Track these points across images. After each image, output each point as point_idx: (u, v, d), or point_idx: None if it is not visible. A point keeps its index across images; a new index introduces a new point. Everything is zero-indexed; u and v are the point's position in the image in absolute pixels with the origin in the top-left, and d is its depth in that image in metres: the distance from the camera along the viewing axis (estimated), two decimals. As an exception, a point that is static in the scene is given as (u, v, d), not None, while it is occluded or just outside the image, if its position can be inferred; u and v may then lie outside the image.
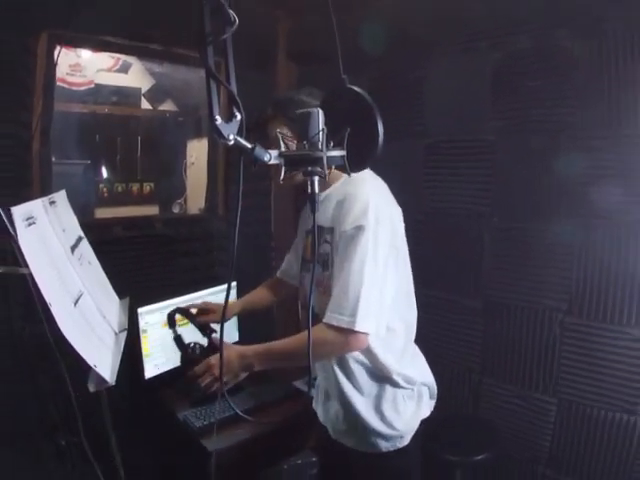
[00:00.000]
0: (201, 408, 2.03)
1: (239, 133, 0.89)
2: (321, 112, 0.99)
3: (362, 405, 1.42)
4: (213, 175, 2.76)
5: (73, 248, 1.38)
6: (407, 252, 1.46)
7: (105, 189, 3.07)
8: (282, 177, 0.99)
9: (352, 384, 1.43)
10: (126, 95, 3.13)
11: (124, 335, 1.41)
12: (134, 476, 1.51)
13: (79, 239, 1.48)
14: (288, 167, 0.99)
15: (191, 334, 1.60)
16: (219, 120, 0.86)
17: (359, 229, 1.27)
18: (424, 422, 1.50)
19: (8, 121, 1.97)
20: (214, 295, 2.26)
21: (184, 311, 1.69)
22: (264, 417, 2.00)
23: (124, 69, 3.07)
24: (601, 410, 1.98)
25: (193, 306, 1.75)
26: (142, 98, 3.22)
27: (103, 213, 2.89)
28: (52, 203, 1.35)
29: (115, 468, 1.42)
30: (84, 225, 1.56)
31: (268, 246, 2.95)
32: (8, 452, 1.89)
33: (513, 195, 2.20)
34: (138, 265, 2.41)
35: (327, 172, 0.97)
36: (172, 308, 1.70)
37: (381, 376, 1.43)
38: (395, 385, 1.43)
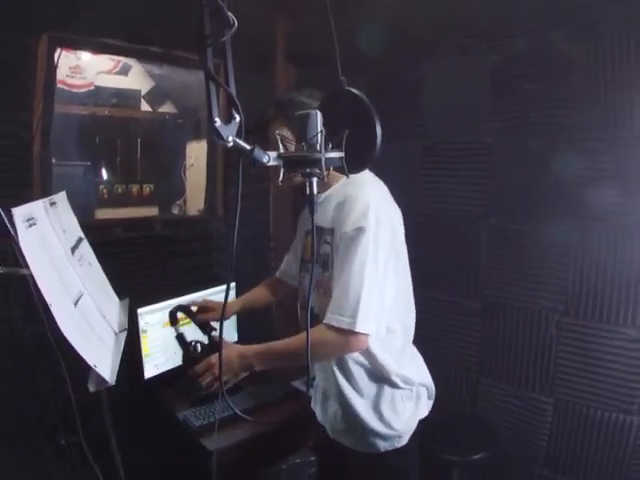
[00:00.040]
0: (201, 408, 2.03)
1: (238, 135, 0.90)
2: (319, 114, 1.00)
3: (361, 405, 1.43)
4: (212, 176, 2.76)
5: (73, 249, 1.38)
6: (406, 254, 1.47)
7: (105, 190, 3.08)
8: (281, 178, 1.00)
9: (351, 385, 1.43)
10: (126, 97, 3.14)
11: (124, 335, 1.42)
12: (134, 476, 1.52)
13: (79, 240, 1.48)
14: (287, 169, 0.99)
15: (193, 333, 1.60)
16: (218, 122, 0.86)
17: (360, 230, 1.27)
18: (422, 422, 1.51)
19: (9, 122, 1.97)
20: (214, 296, 2.26)
21: (185, 309, 1.69)
22: (263, 417, 2.00)
23: (124, 71, 3.08)
24: (597, 410, 1.98)
25: (193, 304, 1.75)
26: (142, 100, 3.23)
27: (103, 214, 2.90)
28: (52, 204, 1.35)
29: (115, 468, 1.43)
30: (84, 226, 1.57)
31: (267, 247, 2.96)
32: (8, 452, 1.89)
33: (510, 196, 2.20)
34: (138, 266, 2.42)
35: (325, 173, 0.98)
36: (173, 307, 1.71)
37: (380, 377, 1.43)
38: (393, 386, 1.44)
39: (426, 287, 2.22)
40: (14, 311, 1.90)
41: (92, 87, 2.96)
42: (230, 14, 0.85)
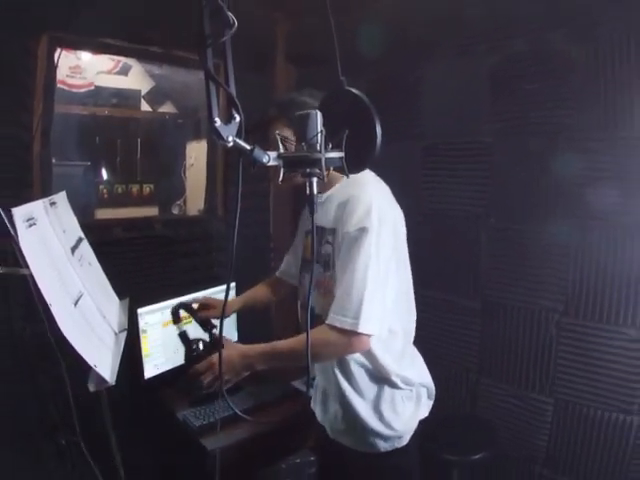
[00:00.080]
0: (200, 408, 2.03)
1: (238, 135, 0.90)
2: (319, 114, 1.00)
3: (361, 406, 1.43)
4: (212, 176, 2.76)
5: (73, 249, 1.38)
6: (407, 254, 1.47)
7: (105, 190, 3.08)
8: (281, 178, 1.00)
9: (352, 386, 1.43)
10: (126, 97, 3.14)
11: (124, 335, 1.42)
12: (134, 476, 1.52)
13: (79, 240, 1.48)
14: (287, 169, 0.99)
15: (196, 330, 1.60)
16: (218, 122, 0.86)
17: (362, 231, 1.27)
18: (422, 422, 1.51)
19: (9, 122, 1.97)
20: (214, 295, 2.26)
21: (186, 306, 1.69)
22: (263, 417, 2.00)
23: (124, 71, 3.09)
24: (597, 410, 1.98)
25: (195, 301, 1.74)
26: (142, 100, 3.23)
27: (103, 214, 2.91)
28: (53, 204, 1.35)
29: (115, 468, 1.43)
30: (84, 226, 1.57)
31: (267, 247, 2.96)
32: (8, 452, 1.89)
33: (510, 196, 2.21)
34: (138, 266, 2.42)
35: (325, 173, 0.98)
36: (174, 305, 1.71)
37: (380, 377, 1.43)
38: (394, 386, 1.44)
39: (426, 287, 2.22)
40: (14, 311, 1.90)
41: (92, 87, 2.96)
42: (230, 14, 0.85)
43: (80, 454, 1.41)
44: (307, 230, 1.57)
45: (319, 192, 1.42)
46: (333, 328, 1.27)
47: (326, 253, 1.40)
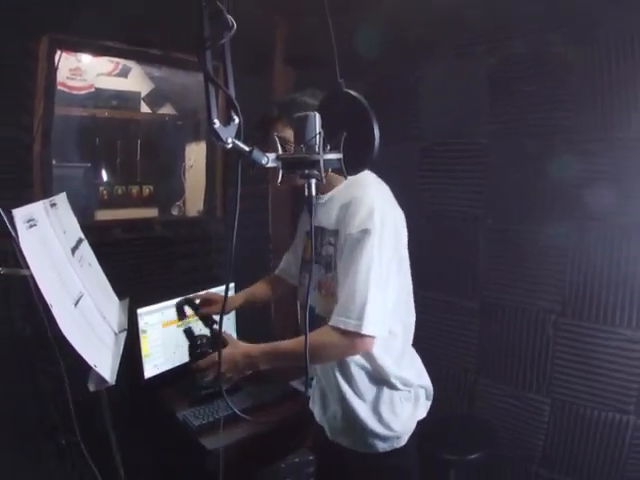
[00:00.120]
0: (200, 408, 2.04)
1: (237, 136, 0.91)
2: (318, 116, 1.01)
3: (361, 408, 1.43)
4: (211, 178, 2.77)
5: (74, 250, 1.39)
6: (407, 255, 1.47)
7: (105, 192, 3.08)
8: (279, 180, 1.01)
9: (352, 389, 1.44)
10: (126, 99, 3.14)
11: (124, 335, 1.42)
12: (134, 475, 1.52)
13: (79, 241, 1.49)
14: (285, 170, 1.00)
15: (201, 327, 1.61)
16: (217, 123, 0.87)
17: (365, 232, 1.28)
18: (420, 423, 1.51)
19: (9, 124, 1.98)
20: (213, 296, 2.27)
21: (189, 301, 1.69)
22: (262, 417, 2.01)
23: (124, 73, 3.09)
24: (594, 410, 1.99)
25: (197, 296, 1.75)
26: (142, 102, 3.23)
27: (103, 215, 2.90)
28: (53, 205, 1.36)
29: (115, 468, 1.43)
30: (84, 227, 1.58)
31: (266, 248, 2.97)
32: (8, 452, 1.89)
33: (508, 198, 2.21)
34: (138, 267, 2.43)
35: (324, 175, 0.99)
36: (178, 300, 1.71)
37: (379, 379, 1.44)
38: (392, 387, 1.44)
39: (424, 287, 2.22)
40: (14, 311, 1.90)
41: (92, 89, 2.96)
42: (229, 16, 0.86)
43: (80, 454, 1.41)
44: (307, 231, 1.57)
45: (320, 193, 1.44)
46: (336, 330, 1.27)
47: (328, 254, 1.41)
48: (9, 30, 1.86)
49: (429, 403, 1.58)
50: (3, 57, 1.87)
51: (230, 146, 0.90)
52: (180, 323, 1.66)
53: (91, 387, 1.11)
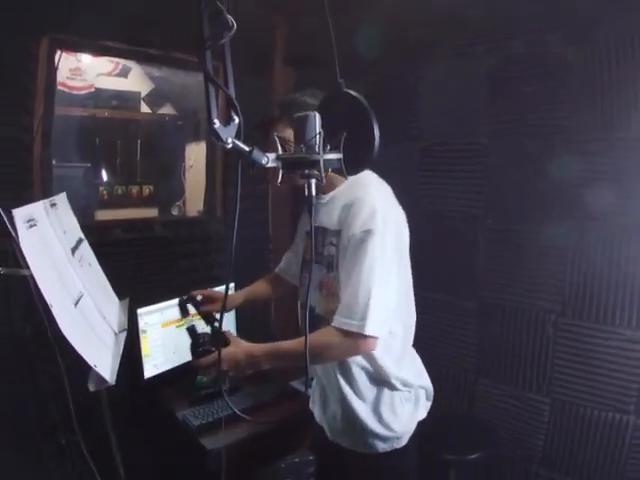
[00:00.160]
0: (200, 407, 2.04)
1: (237, 136, 0.91)
2: (318, 116, 1.01)
3: (361, 408, 1.43)
4: (211, 178, 2.77)
5: (74, 250, 1.39)
6: (408, 255, 1.47)
7: (105, 192, 3.09)
8: (279, 180, 1.01)
9: (353, 390, 1.44)
10: (126, 99, 3.15)
11: (124, 335, 1.43)
12: (134, 475, 1.53)
13: (79, 241, 1.49)
14: (285, 170, 1.01)
15: (204, 325, 1.61)
16: (217, 123, 0.88)
17: (368, 233, 1.28)
18: (421, 423, 1.51)
19: (9, 124, 1.98)
20: (213, 296, 2.28)
21: (192, 299, 1.70)
22: (262, 416, 2.01)
23: (124, 73, 3.09)
24: (594, 410, 1.99)
25: (198, 293, 1.74)
26: (141, 102, 3.24)
27: (103, 215, 2.91)
28: (53, 205, 1.36)
29: (115, 467, 1.43)
30: (84, 227, 1.58)
31: (266, 248, 2.97)
32: (8, 452, 1.90)
33: (508, 198, 2.21)
34: (137, 267, 2.43)
35: (324, 175, 0.99)
36: (182, 298, 1.70)
37: (379, 380, 1.44)
38: (393, 388, 1.44)
39: (424, 288, 2.21)
40: (14, 311, 1.90)
41: (92, 89, 2.97)
42: (229, 16, 0.86)
43: (80, 454, 1.41)
44: (308, 230, 1.57)
45: (322, 193, 1.44)
46: (339, 330, 1.27)
47: (329, 254, 1.41)
48: (9, 30, 1.87)
49: (429, 403, 1.58)
50: (3, 57, 1.88)
51: (230, 146, 0.90)
52: (182, 322, 1.65)
53: (91, 387, 1.11)
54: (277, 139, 1.09)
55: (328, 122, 1.02)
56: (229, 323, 2.45)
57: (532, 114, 2.10)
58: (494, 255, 2.28)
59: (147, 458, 2.11)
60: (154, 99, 3.25)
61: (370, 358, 1.40)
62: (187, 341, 1.48)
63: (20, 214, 1.08)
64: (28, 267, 1.00)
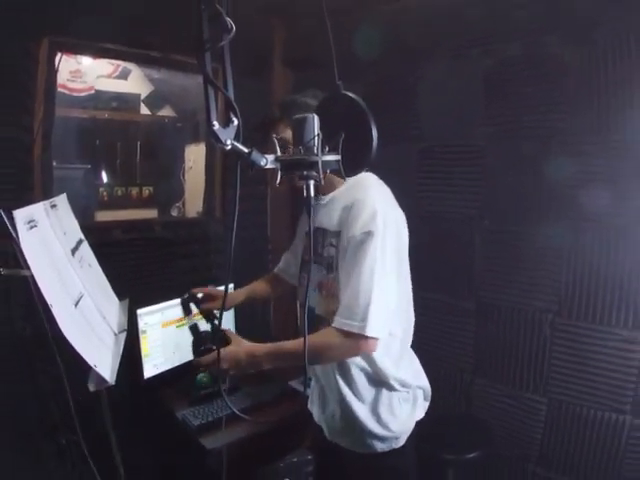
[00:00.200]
0: (199, 407, 2.05)
1: (236, 138, 0.92)
2: (316, 117, 1.02)
3: (360, 409, 1.44)
4: (211, 179, 2.78)
5: (74, 251, 1.40)
6: (407, 256, 1.47)
7: (105, 193, 3.10)
8: (278, 181, 1.02)
9: (352, 391, 1.44)
10: (126, 101, 3.16)
11: (124, 336, 1.43)
12: (134, 475, 1.53)
13: (80, 242, 1.50)
14: (284, 171, 1.01)
15: (207, 323, 1.62)
16: (217, 125, 0.88)
17: (368, 234, 1.28)
18: (419, 423, 1.52)
19: (10, 125, 1.99)
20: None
21: (192, 297, 1.70)
22: (261, 416, 2.02)
23: (124, 75, 3.11)
24: (590, 409, 1.99)
25: (199, 291, 1.74)
26: (141, 104, 3.25)
27: (103, 216, 2.92)
28: (53, 206, 1.37)
29: (115, 467, 1.44)
30: (84, 228, 1.59)
31: (265, 249, 2.98)
32: (8, 452, 1.90)
33: (504, 199, 2.21)
34: (137, 267, 2.44)
35: (322, 176, 1.00)
36: (184, 296, 1.71)
37: (378, 381, 1.44)
38: (391, 389, 1.45)
39: (421, 288, 2.22)
40: (14, 311, 1.91)
41: (92, 91, 2.98)
42: (228, 19, 0.87)
43: (80, 454, 1.41)
44: (307, 231, 1.58)
45: (321, 194, 1.45)
46: (340, 331, 1.27)
47: (329, 255, 1.41)
48: (9, 30, 1.87)
49: (427, 404, 1.58)
50: (3, 57, 1.88)
51: (229, 148, 0.91)
52: (184, 322, 1.65)
53: (91, 387, 1.11)
54: (276, 140, 1.10)
55: (326, 124, 1.02)
56: (228, 322, 2.45)
57: (528, 116, 2.10)
58: (491, 256, 2.28)
59: (147, 458, 2.11)
60: (154, 101, 3.26)
61: (369, 359, 1.41)
62: (187, 341, 1.49)
63: (21, 215, 1.09)
64: (28, 268, 1.01)
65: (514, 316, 2.21)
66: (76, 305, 1.20)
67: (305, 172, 0.99)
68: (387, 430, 1.43)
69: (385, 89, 2.52)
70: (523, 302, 2.18)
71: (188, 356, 1.46)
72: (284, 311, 2.87)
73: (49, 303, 1.01)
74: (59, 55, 2.10)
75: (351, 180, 1.31)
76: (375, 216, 1.29)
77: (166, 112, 3.33)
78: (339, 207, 1.40)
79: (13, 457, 1.92)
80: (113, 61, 2.94)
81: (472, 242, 2.33)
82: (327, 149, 1.04)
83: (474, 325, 2.36)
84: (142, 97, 3.24)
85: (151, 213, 3.17)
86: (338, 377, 1.45)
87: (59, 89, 2.28)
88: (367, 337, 1.26)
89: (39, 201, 1.29)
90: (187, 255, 2.64)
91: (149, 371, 2.20)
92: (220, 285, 2.23)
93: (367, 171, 1.39)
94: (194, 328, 1.49)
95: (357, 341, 1.27)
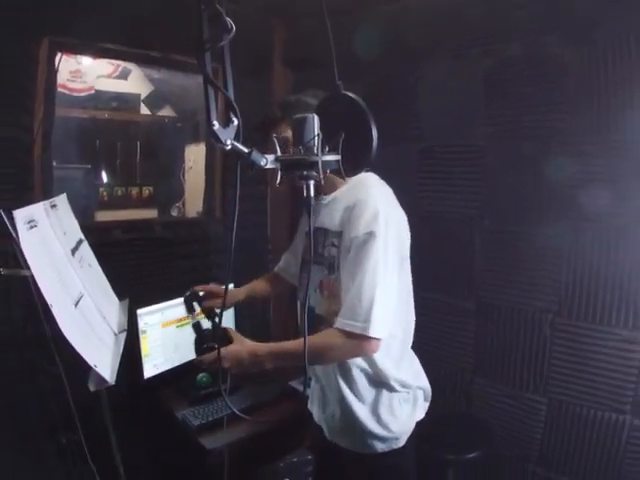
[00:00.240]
0: (199, 407, 2.05)
1: (236, 138, 0.92)
2: (316, 117, 1.02)
3: (360, 410, 1.44)
4: (210, 179, 2.78)
5: (74, 251, 1.40)
6: (409, 256, 1.47)
7: (105, 193, 3.11)
8: (278, 181, 1.02)
9: (352, 392, 1.44)
10: (126, 101, 3.17)
11: (124, 336, 1.43)
12: (134, 475, 1.53)
13: (80, 242, 1.50)
14: (284, 171, 1.01)
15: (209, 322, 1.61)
16: (217, 125, 0.88)
17: (371, 235, 1.28)
18: (419, 423, 1.52)
19: (10, 126, 1.98)
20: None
21: (194, 294, 1.69)
22: (261, 416, 2.02)
23: (124, 75, 3.11)
24: (590, 409, 1.99)
25: (201, 289, 1.73)
26: (141, 104, 3.26)
27: (103, 216, 2.92)
28: (53, 207, 1.37)
29: (115, 467, 1.44)
30: (84, 228, 1.59)
31: (264, 249, 2.98)
32: (8, 452, 1.90)
33: (504, 199, 2.21)
34: (137, 267, 2.44)
35: (322, 176, 1.00)
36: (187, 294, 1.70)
37: (379, 382, 1.44)
38: (391, 390, 1.45)
39: (421, 288, 2.23)
40: (15, 311, 1.91)
41: (92, 91, 2.99)
42: (228, 19, 0.87)
43: (80, 454, 1.42)
44: (308, 231, 1.58)
45: (323, 193, 1.45)
46: (343, 332, 1.27)
47: (330, 255, 1.41)
48: (9, 30, 1.87)
49: (427, 404, 1.58)
50: (3, 57, 1.88)
51: (229, 148, 0.91)
52: (185, 321, 1.65)
53: (91, 387, 1.12)
54: (276, 140, 1.09)
55: (326, 124, 1.02)
56: (228, 321, 2.45)
57: (528, 116, 2.10)
58: (491, 256, 2.28)
59: (147, 458, 2.12)
60: (154, 101, 3.27)
61: (370, 360, 1.41)
62: (187, 341, 1.49)
63: (21, 215, 1.09)
64: (28, 268, 1.01)
65: (514, 316, 2.21)
66: (76, 305, 1.21)
67: (305, 172, 0.99)
68: (387, 430, 1.43)
69: (385, 89, 2.51)
70: (523, 302, 2.17)
71: (188, 356, 1.46)
72: (284, 311, 2.87)
73: (49, 303, 1.01)
74: (59, 55, 2.10)
75: (353, 180, 1.31)
76: (377, 216, 1.29)
77: (166, 112, 3.33)
78: (341, 207, 1.40)
79: (13, 457, 1.92)
80: (113, 61, 2.94)
81: (472, 242, 2.32)
82: (327, 149, 1.04)
83: (474, 325, 2.36)
84: (142, 97, 3.25)
85: (151, 213, 3.18)
86: (338, 377, 1.45)
87: (59, 89, 2.28)
88: (370, 338, 1.26)
89: (39, 201, 1.29)
90: (187, 255, 2.64)
91: (149, 371, 2.20)
92: (221, 285, 2.25)
93: (368, 171, 1.40)
94: (197, 326, 1.49)
95: (360, 342, 1.27)
